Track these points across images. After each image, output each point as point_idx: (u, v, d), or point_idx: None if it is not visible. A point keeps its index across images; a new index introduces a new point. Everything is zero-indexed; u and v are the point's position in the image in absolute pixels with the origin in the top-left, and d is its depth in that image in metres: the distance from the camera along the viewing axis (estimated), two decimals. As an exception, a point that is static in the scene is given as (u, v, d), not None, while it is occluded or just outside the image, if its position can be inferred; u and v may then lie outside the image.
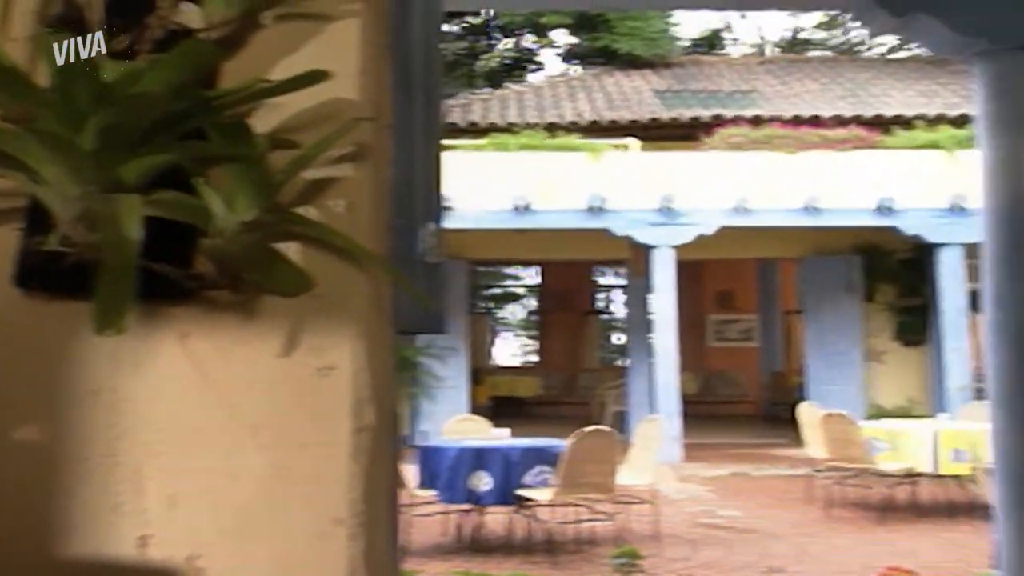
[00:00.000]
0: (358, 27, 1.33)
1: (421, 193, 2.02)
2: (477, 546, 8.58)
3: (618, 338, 28.01)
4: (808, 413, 11.07)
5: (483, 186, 14.61)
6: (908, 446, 9.98)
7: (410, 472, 8.55)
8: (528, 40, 27.67)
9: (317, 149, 1.23)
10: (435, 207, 2.05)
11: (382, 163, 1.42)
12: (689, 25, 29.92)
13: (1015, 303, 4.89)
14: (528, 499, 8.24)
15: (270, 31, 1.29)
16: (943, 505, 10.30)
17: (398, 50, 1.84)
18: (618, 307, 29.08)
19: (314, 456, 1.23)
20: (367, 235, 1.30)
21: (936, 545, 8.60)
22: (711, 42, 30.36)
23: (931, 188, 14.55)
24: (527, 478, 8.20)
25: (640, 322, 16.19)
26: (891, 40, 25.85)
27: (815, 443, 10.60)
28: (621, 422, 15.45)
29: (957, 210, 14.13)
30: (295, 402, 1.23)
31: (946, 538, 8.90)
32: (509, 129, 16.47)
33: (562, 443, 8.20)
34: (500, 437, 9.03)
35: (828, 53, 28.25)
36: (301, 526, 1.21)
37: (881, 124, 16.73)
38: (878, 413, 13.86)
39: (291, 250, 1.24)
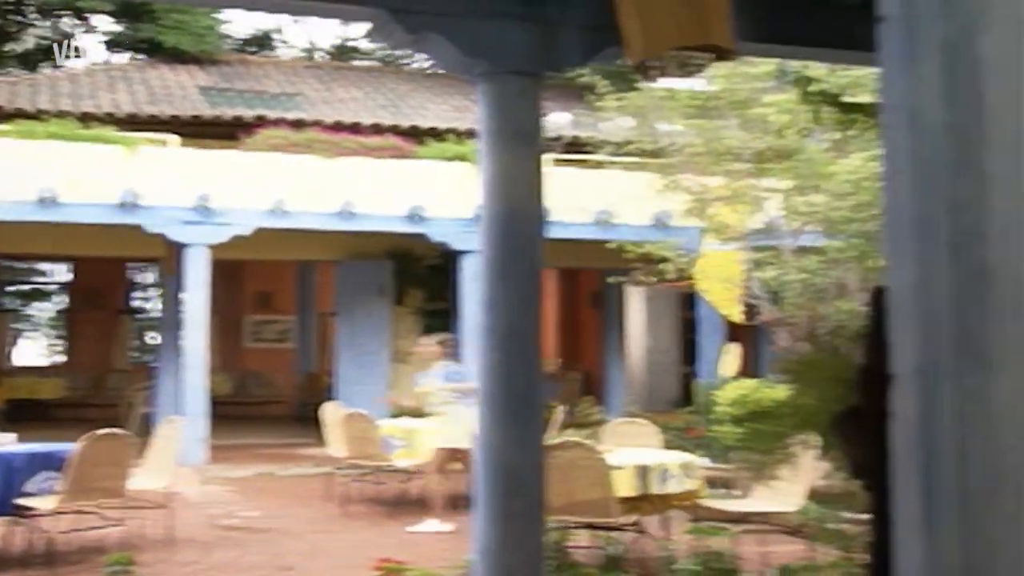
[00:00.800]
0: None
1: None
2: (-32, 561, 8.00)
3: (153, 338, 27.19)
4: (331, 413, 11.32)
5: (4, 175, 13.66)
6: (422, 443, 10.51)
7: None
8: (69, 24, 26.13)
9: None
10: None
11: None
12: (240, 23, 29.50)
13: (505, 306, 5.29)
14: (30, 508, 7.77)
15: None
16: (451, 497, 10.90)
17: None
18: (156, 306, 28.22)
19: None
20: None
21: (439, 535, 9.10)
22: (262, 42, 30.17)
23: (457, 198, 15.31)
24: (30, 486, 7.73)
25: (173, 322, 15.78)
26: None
27: (337, 442, 10.87)
28: (148, 424, 14.99)
29: (478, 219, 14.92)
30: None
31: (448, 528, 9.43)
32: (38, 116, 15.51)
33: (71, 447, 7.83)
34: (3, 443, 8.46)
35: (375, 63, 28.98)
36: None
37: (417, 135, 17.38)
38: (400, 412, 14.38)
39: None
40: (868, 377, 2.64)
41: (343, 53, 30.91)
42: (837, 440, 3.16)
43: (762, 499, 7.38)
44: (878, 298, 2.63)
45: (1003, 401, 1.91)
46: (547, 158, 16.08)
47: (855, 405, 2.83)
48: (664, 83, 12.18)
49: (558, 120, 16.87)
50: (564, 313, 21.84)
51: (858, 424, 2.75)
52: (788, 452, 5.66)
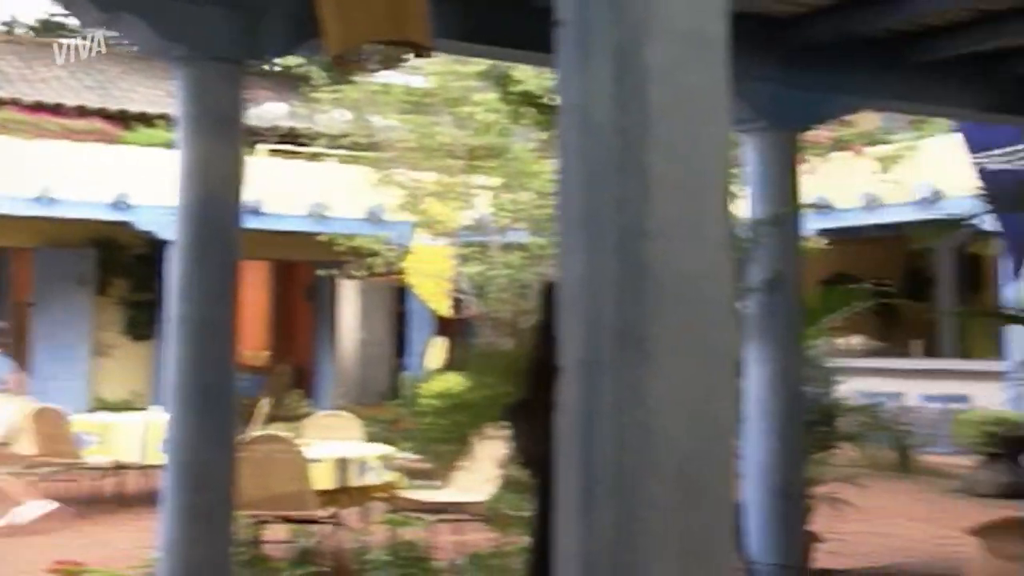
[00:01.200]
0: None
1: None
2: None
3: None
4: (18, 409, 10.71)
5: None
6: (118, 439, 10.11)
7: None
8: None
9: None
10: None
11: None
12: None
13: (200, 296, 5.13)
14: None
15: None
16: (148, 494, 10.46)
17: None
18: None
19: None
20: None
21: (133, 533, 8.72)
22: (-44, 13, 28.12)
23: (166, 186, 14.77)
24: None
25: None
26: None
27: (26, 439, 10.28)
28: None
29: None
30: None
31: (144, 525, 9.01)
32: None
33: None
34: None
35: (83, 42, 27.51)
36: None
37: (126, 119, 16.73)
38: (102, 406, 13.81)
39: None
40: (538, 369, 2.72)
41: (48, 29, 29.21)
42: (510, 431, 3.24)
43: (458, 489, 7.53)
44: (549, 292, 2.72)
45: (659, 392, 2.00)
46: (261, 148, 15.81)
47: (525, 397, 2.92)
48: (378, 77, 12.20)
49: (274, 110, 16.60)
50: (277, 306, 21.50)
51: (527, 415, 2.84)
52: (472, 443, 5.81)
